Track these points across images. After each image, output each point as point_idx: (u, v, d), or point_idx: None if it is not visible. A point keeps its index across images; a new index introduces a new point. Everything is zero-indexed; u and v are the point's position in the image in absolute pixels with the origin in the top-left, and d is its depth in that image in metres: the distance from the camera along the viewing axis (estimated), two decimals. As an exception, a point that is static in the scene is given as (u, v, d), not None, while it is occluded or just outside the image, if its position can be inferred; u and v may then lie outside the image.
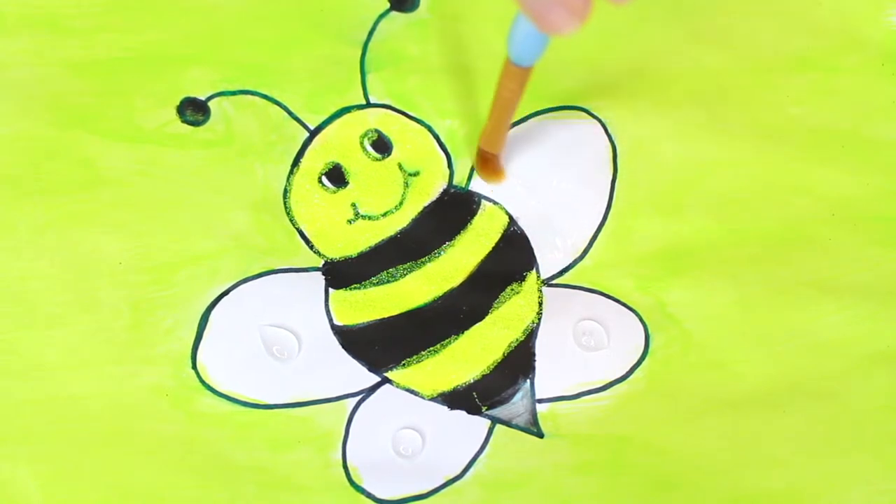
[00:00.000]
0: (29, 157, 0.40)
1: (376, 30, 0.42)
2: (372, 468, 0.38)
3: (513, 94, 0.36)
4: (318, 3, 0.42)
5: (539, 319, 0.40)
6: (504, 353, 0.39)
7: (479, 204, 0.41)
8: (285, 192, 0.40)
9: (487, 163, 0.40)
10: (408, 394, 0.39)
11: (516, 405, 0.39)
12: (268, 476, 0.38)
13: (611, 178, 0.41)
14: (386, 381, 0.39)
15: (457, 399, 0.39)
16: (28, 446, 0.37)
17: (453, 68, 0.42)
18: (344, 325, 0.39)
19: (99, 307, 0.39)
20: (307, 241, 0.40)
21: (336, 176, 0.41)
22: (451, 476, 0.38)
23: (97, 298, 0.39)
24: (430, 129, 0.41)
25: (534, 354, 0.40)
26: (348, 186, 0.41)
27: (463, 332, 0.39)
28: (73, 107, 0.40)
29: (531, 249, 0.40)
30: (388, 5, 0.42)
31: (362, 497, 0.38)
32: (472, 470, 0.38)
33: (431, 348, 0.39)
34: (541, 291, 0.40)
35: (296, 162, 0.41)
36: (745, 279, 0.40)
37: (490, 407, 0.39)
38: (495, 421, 0.39)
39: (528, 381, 0.39)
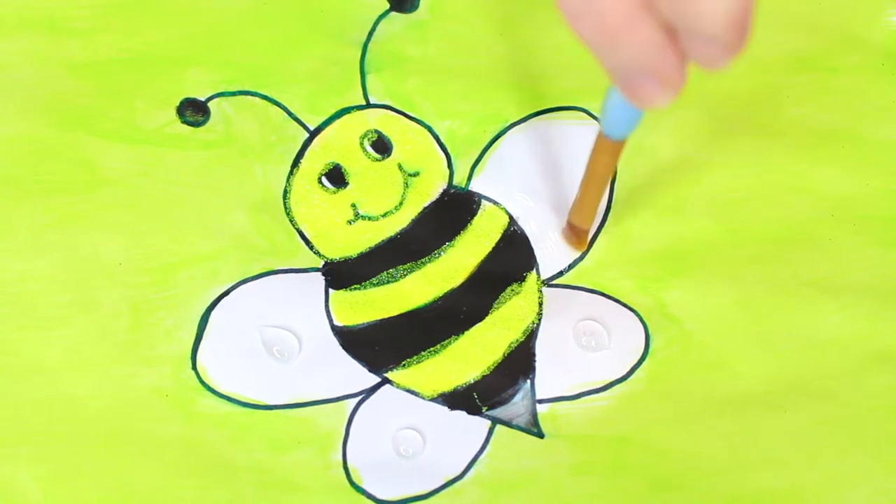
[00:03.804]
0: (29, 157, 0.40)
1: (376, 30, 0.42)
2: (372, 469, 0.38)
3: (606, 169, 0.35)
4: (318, 3, 0.42)
5: (539, 320, 0.40)
6: (504, 354, 0.39)
7: (479, 204, 0.41)
8: (285, 192, 0.40)
9: (577, 236, 0.40)
10: (408, 394, 0.39)
11: (516, 405, 0.39)
12: (268, 477, 0.38)
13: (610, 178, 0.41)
14: (386, 381, 0.39)
15: (457, 399, 0.39)
16: (28, 447, 0.37)
17: (453, 69, 0.42)
18: (344, 326, 0.39)
19: (99, 308, 0.39)
20: (307, 242, 0.40)
21: (336, 176, 0.41)
22: (452, 476, 0.38)
23: (97, 299, 0.39)
24: (430, 129, 0.41)
25: (534, 355, 0.39)
26: (348, 187, 0.41)
27: (463, 333, 0.39)
28: (73, 107, 0.40)
29: (531, 249, 0.40)
30: (387, 6, 0.42)
31: (363, 497, 0.38)
32: (472, 470, 0.38)
33: (431, 349, 0.39)
34: (541, 292, 0.40)
35: (296, 163, 0.41)
36: (745, 279, 0.40)
37: (490, 407, 0.39)
38: (495, 421, 0.39)
39: (529, 381, 0.39)
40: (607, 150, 0.34)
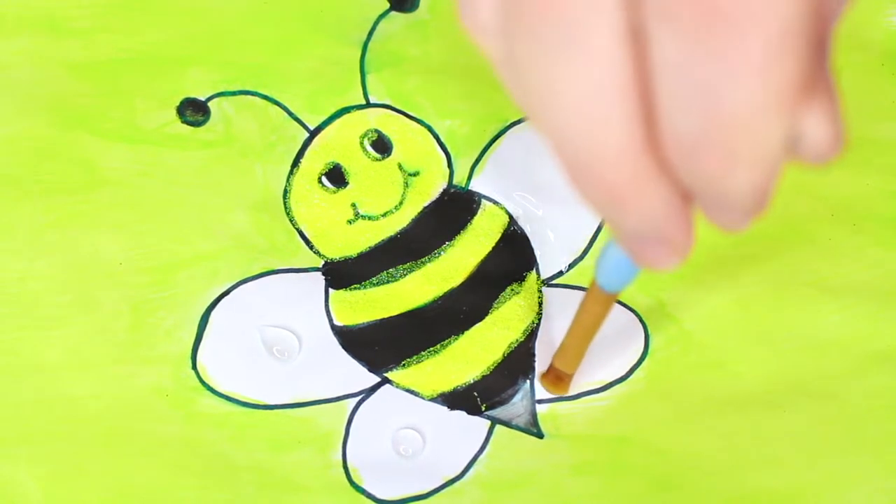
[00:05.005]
0: (29, 157, 0.40)
1: (376, 30, 0.42)
2: (372, 468, 0.38)
3: (597, 318, 0.34)
4: (317, 3, 0.42)
5: (539, 320, 0.40)
6: (504, 354, 0.39)
7: (479, 204, 0.41)
8: (285, 192, 0.40)
9: (559, 380, 0.39)
10: (408, 394, 0.39)
11: (516, 406, 0.39)
12: (268, 476, 0.38)
13: (610, 178, 0.41)
14: (386, 381, 0.39)
15: (457, 399, 0.39)
16: (28, 446, 0.37)
17: (453, 68, 0.42)
18: (344, 326, 0.39)
19: (99, 308, 0.39)
20: (307, 242, 0.40)
21: (336, 176, 0.41)
22: (451, 476, 0.38)
23: (97, 299, 0.39)
24: (430, 129, 0.41)
25: (534, 355, 0.39)
26: (348, 186, 0.41)
27: (463, 333, 0.39)
28: (73, 107, 0.40)
29: (531, 249, 0.40)
30: (387, 5, 0.42)
31: (362, 497, 0.38)
32: (472, 470, 0.38)
33: (431, 348, 0.39)
34: (541, 292, 0.40)
35: (296, 162, 0.41)
36: (745, 279, 0.40)
37: (490, 407, 0.39)
38: (495, 421, 0.39)
39: (528, 381, 0.39)
40: (600, 301, 0.33)
